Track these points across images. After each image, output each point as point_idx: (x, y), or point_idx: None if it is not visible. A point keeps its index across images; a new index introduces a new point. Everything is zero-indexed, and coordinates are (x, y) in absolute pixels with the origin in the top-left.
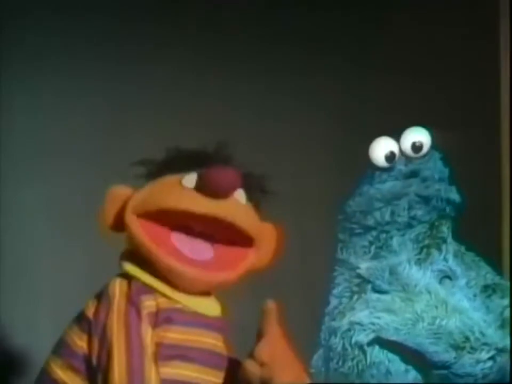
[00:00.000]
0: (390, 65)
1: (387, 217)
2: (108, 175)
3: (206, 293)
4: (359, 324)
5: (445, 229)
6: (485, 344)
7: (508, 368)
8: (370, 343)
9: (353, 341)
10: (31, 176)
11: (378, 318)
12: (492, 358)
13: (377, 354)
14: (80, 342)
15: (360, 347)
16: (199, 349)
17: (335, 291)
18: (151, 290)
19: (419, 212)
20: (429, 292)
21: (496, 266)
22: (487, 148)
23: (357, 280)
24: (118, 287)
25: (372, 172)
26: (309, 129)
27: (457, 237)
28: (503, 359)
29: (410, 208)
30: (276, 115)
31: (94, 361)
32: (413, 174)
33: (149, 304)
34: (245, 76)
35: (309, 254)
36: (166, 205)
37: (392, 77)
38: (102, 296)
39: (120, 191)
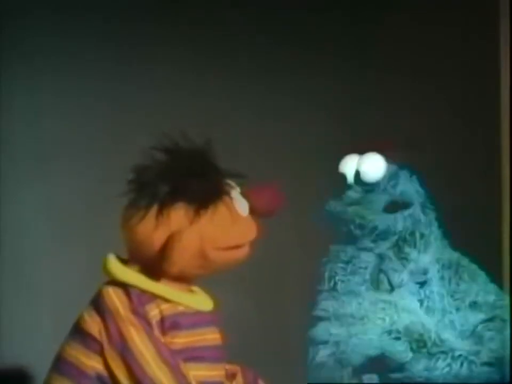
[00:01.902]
0: (390, 65)
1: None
2: (108, 175)
3: (194, 289)
4: (318, 342)
5: (412, 245)
6: (442, 352)
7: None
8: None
9: (315, 358)
10: (31, 176)
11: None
12: (448, 365)
13: None
14: (89, 362)
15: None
16: (205, 347)
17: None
18: (151, 297)
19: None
20: (373, 303)
21: (496, 282)
22: (487, 148)
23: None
24: (116, 299)
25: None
26: (309, 129)
27: (458, 247)
28: (457, 366)
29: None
30: (276, 115)
31: (126, 381)
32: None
33: (154, 314)
34: (245, 76)
35: (308, 255)
36: (244, 240)
37: (392, 77)
38: (102, 311)
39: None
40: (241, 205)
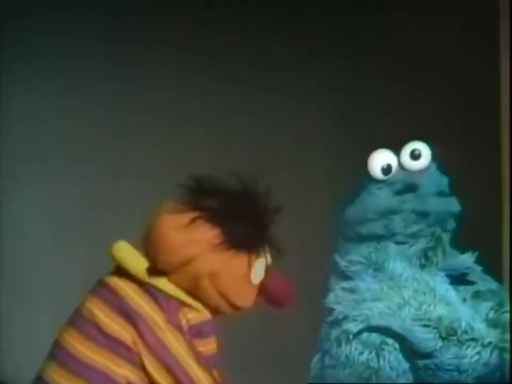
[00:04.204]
0: (390, 65)
1: (380, 230)
2: (108, 175)
3: None
4: (348, 316)
5: (446, 239)
6: (472, 339)
7: (494, 363)
8: (360, 332)
9: (343, 330)
10: (31, 176)
11: (365, 308)
12: (477, 353)
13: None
14: (119, 370)
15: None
16: (214, 356)
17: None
18: (178, 305)
19: (416, 228)
20: (416, 280)
21: (492, 270)
22: (487, 148)
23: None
24: (145, 305)
25: (369, 181)
26: (309, 129)
27: (456, 242)
28: (488, 354)
29: (406, 225)
30: (275, 115)
31: None
32: (409, 189)
33: (183, 323)
34: (244, 75)
35: (308, 256)
36: (237, 303)
37: (392, 77)
38: (133, 319)
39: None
40: (257, 273)
